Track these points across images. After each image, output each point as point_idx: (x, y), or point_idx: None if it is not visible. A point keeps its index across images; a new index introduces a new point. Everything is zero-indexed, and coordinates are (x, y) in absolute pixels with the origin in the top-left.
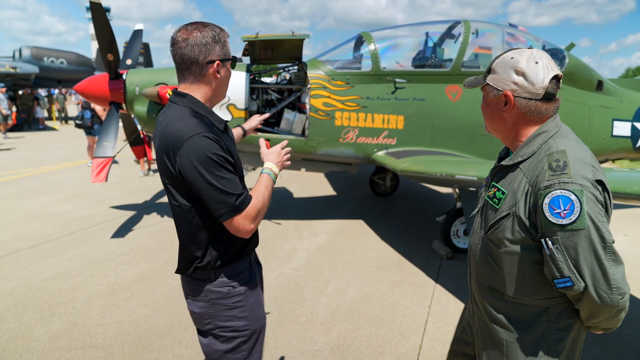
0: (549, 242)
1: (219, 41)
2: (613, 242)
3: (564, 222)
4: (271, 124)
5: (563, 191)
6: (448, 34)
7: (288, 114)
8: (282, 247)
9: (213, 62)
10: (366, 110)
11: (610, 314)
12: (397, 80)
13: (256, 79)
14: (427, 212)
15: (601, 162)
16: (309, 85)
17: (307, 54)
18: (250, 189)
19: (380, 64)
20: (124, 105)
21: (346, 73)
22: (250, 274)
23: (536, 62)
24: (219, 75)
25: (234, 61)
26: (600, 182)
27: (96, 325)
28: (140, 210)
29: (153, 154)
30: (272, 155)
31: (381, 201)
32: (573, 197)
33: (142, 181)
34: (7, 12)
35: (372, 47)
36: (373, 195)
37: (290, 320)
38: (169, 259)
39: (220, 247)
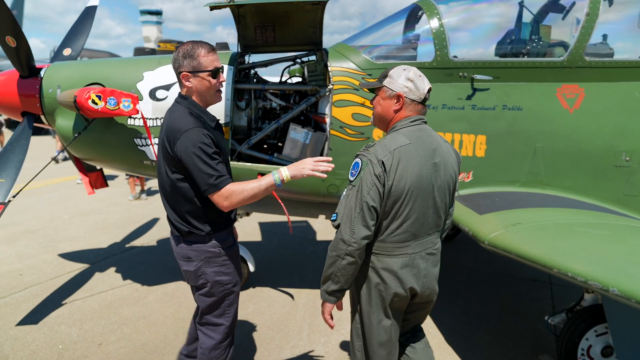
0: (345, 190)
1: (187, 56)
2: (370, 205)
3: (351, 178)
4: (270, 149)
5: (357, 159)
6: (556, 4)
7: (295, 133)
8: (280, 354)
9: (181, 73)
10: None
11: (342, 253)
12: (477, 77)
13: (249, 74)
14: (519, 284)
15: None
16: (330, 86)
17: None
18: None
19: (449, 50)
20: (42, 117)
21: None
22: (233, 239)
23: (420, 76)
24: (188, 84)
25: (213, 72)
26: (383, 163)
27: None
28: (97, 261)
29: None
30: (299, 162)
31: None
32: (360, 165)
33: (127, 208)
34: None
35: (435, 23)
36: None
37: None
38: None
39: (212, 218)
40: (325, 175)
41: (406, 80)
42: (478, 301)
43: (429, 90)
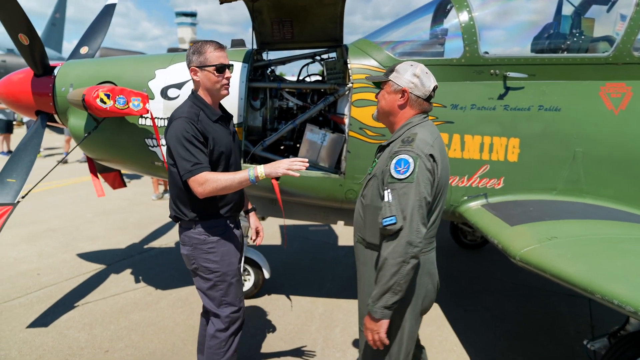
0: (388, 190)
1: (196, 52)
2: (427, 200)
3: (400, 176)
4: (286, 150)
5: (403, 155)
6: None
7: (312, 134)
8: None
9: (190, 67)
10: (451, 129)
11: (409, 257)
12: (510, 74)
13: (266, 72)
14: (554, 299)
15: None
16: (349, 84)
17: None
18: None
19: (479, 46)
20: (56, 117)
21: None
22: (225, 230)
23: (426, 73)
24: (196, 78)
25: (218, 68)
26: (431, 156)
27: None
28: (114, 262)
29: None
30: (276, 161)
31: (465, 259)
32: (410, 160)
33: (149, 208)
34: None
35: (464, 16)
36: (455, 245)
37: None
38: None
39: (198, 206)
40: (298, 174)
41: (412, 75)
42: (508, 317)
43: (435, 87)
